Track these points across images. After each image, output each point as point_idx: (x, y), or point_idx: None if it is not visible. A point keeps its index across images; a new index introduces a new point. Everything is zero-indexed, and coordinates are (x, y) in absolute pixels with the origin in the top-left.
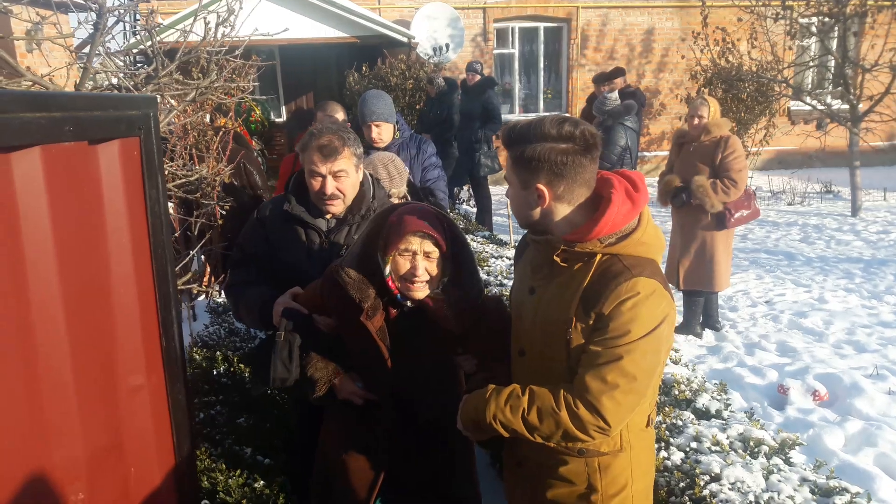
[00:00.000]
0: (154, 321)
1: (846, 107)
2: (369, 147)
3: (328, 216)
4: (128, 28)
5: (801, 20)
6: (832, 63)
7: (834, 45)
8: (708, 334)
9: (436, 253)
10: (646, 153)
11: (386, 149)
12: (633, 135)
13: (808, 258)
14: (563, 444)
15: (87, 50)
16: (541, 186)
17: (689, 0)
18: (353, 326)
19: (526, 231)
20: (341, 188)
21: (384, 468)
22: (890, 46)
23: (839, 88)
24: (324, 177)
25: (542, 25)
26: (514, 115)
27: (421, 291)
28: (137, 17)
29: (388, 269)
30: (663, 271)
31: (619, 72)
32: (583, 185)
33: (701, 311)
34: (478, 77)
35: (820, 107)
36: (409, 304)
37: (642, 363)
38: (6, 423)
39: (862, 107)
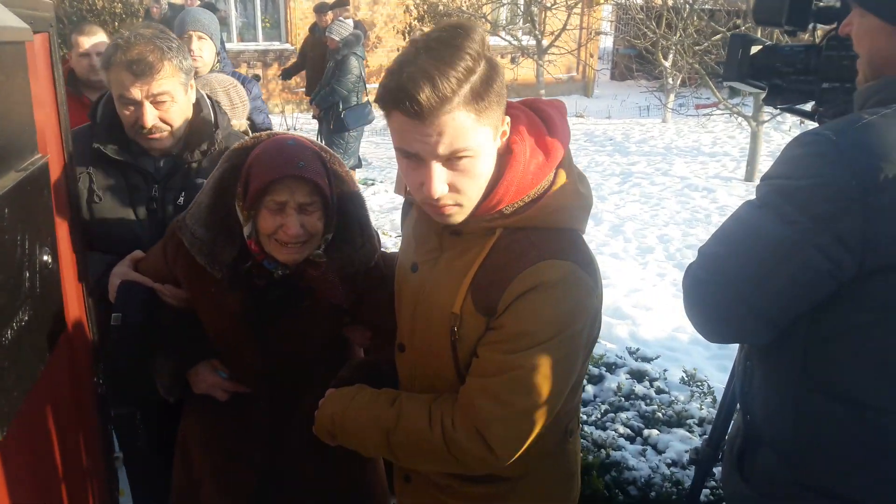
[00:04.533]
0: None
1: (534, 42)
2: None
3: (154, 154)
4: None
5: None
6: (521, 1)
7: None
8: None
9: (316, 203)
10: (368, 84)
11: None
12: (362, 63)
13: None
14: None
15: None
16: None
17: None
18: (206, 301)
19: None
20: (166, 117)
21: (263, 473)
22: None
23: (527, 24)
24: (139, 103)
25: None
26: (231, 45)
27: (296, 254)
28: None
29: (248, 228)
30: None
31: (343, 2)
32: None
33: None
34: (197, 2)
35: (514, 41)
36: (280, 271)
37: (550, 374)
38: None
39: (546, 42)
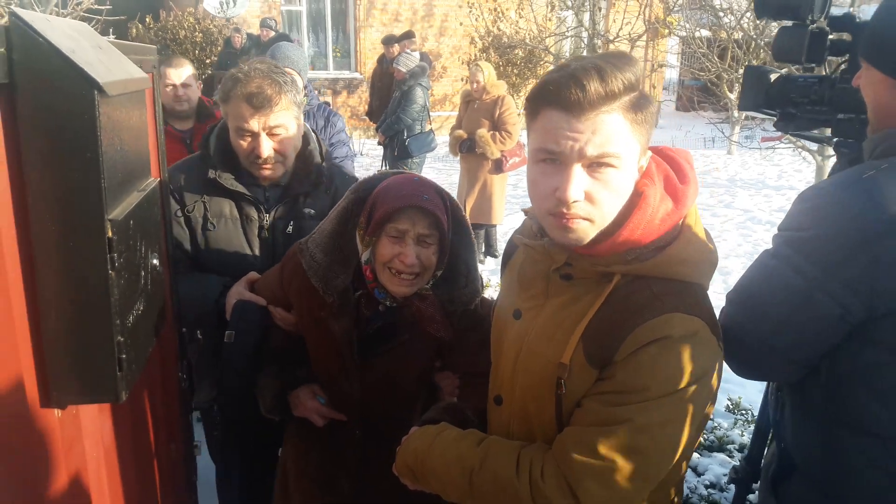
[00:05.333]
0: None
1: None
2: None
3: (265, 183)
4: None
5: None
6: (585, 35)
7: (586, 18)
8: (489, 260)
9: (434, 237)
10: (432, 113)
11: None
12: (427, 94)
13: None
14: None
15: None
16: None
17: None
18: (314, 325)
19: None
20: (280, 148)
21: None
22: (627, 21)
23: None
24: (256, 134)
25: None
26: None
27: (408, 286)
28: None
29: (366, 255)
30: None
31: (409, 34)
32: None
33: (483, 241)
34: (272, 33)
35: None
36: (388, 302)
37: (659, 435)
38: None
39: None
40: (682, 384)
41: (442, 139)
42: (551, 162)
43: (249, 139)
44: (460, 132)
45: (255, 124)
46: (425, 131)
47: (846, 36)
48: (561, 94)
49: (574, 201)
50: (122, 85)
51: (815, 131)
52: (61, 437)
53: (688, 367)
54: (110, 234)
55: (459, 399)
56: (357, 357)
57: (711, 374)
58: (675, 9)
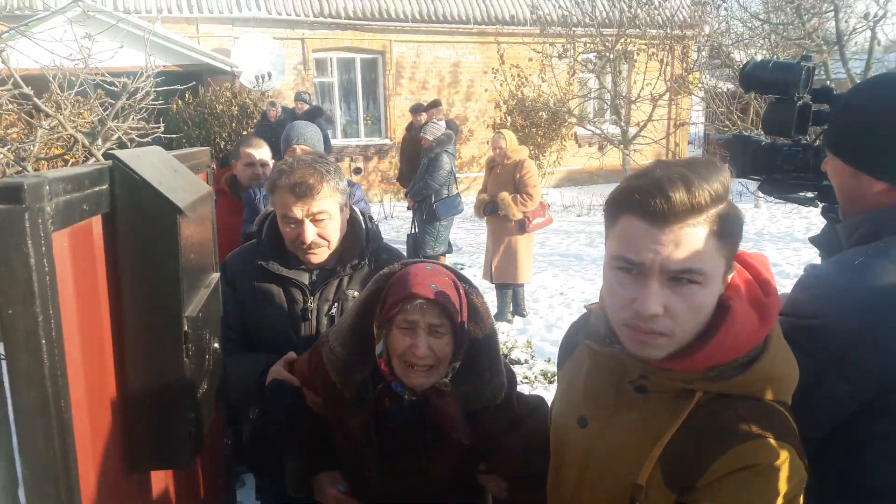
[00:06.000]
0: None
1: (619, 132)
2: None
3: (312, 267)
4: None
5: (580, 58)
6: (607, 96)
7: (609, 80)
8: (517, 320)
9: (446, 327)
10: (458, 175)
11: None
12: (453, 159)
13: (594, 258)
14: None
15: None
16: None
17: (488, 37)
18: (334, 419)
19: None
20: (324, 234)
21: None
22: (647, 82)
23: (613, 116)
24: (300, 221)
25: (358, 56)
26: (335, 140)
27: (422, 378)
28: None
29: (379, 347)
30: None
31: (436, 103)
32: None
33: (511, 301)
34: (306, 106)
35: (598, 132)
36: (408, 396)
37: None
38: None
39: (631, 132)
40: None
41: (469, 199)
42: (629, 272)
43: (294, 226)
44: (484, 196)
45: (298, 212)
46: (452, 195)
47: (826, 107)
48: (644, 202)
49: (653, 315)
50: (196, 203)
51: (802, 193)
52: (140, 498)
53: (777, 496)
54: (186, 328)
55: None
56: (376, 454)
57: (798, 499)
58: (695, 67)
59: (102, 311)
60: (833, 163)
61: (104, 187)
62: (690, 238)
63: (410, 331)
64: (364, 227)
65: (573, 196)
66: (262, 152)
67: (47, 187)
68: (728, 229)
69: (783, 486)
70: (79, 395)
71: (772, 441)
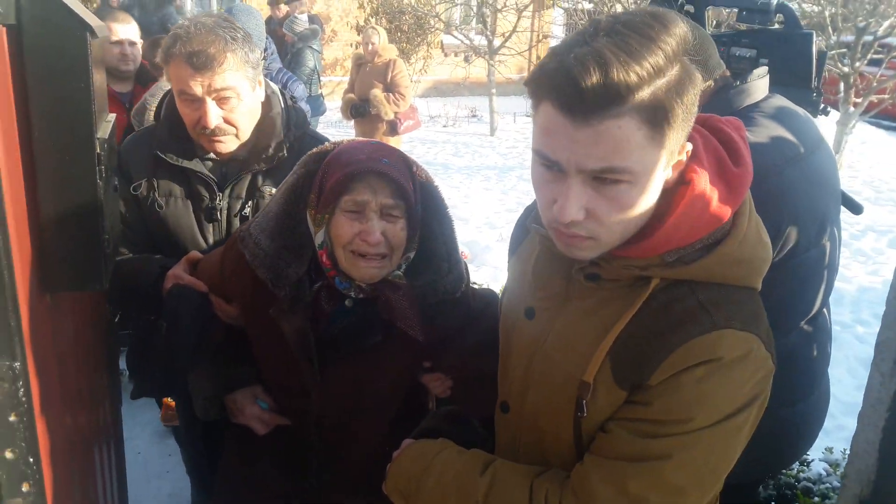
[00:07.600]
0: None
1: (486, 42)
2: None
3: (217, 156)
4: None
5: None
6: (474, 2)
7: None
8: None
9: (400, 209)
10: (322, 77)
11: None
12: (318, 57)
13: (458, 167)
14: None
15: None
16: None
17: None
18: (261, 322)
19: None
20: (231, 118)
21: None
22: None
23: (479, 25)
24: (200, 100)
25: None
26: None
27: (375, 269)
28: None
29: (320, 237)
30: None
31: None
32: None
33: None
34: None
35: (465, 40)
36: (353, 294)
37: (702, 470)
38: None
39: (496, 43)
40: (731, 411)
41: (333, 104)
42: (550, 169)
43: (194, 106)
44: (351, 95)
45: (197, 88)
46: (315, 95)
47: None
48: (556, 89)
49: (569, 222)
50: (101, 30)
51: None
52: (50, 321)
53: (739, 393)
54: (99, 150)
55: (451, 403)
56: (316, 363)
57: (764, 394)
58: None
59: (10, 130)
60: None
61: None
62: (612, 132)
63: (359, 214)
64: (283, 108)
65: (439, 107)
66: (128, 29)
67: None
68: (668, 111)
69: (746, 381)
70: None
71: (735, 331)
